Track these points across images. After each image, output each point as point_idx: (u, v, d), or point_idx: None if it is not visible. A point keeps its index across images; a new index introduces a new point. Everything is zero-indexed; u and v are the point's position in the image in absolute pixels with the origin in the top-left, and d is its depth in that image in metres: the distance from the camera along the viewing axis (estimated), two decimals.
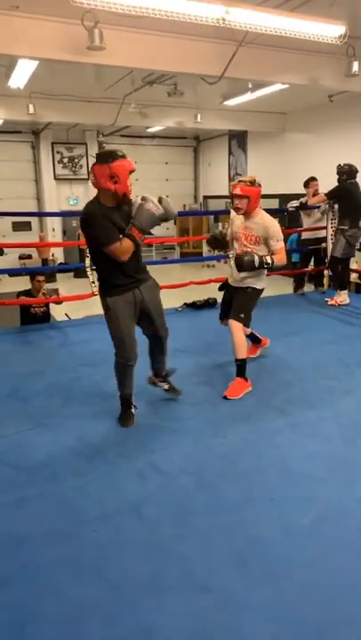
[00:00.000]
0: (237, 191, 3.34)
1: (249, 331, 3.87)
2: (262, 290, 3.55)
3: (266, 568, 1.88)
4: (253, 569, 1.87)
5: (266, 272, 3.49)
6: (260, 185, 3.43)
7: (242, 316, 3.45)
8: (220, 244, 3.75)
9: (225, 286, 3.71)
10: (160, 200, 2.67)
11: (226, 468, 2.52)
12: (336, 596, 1.76)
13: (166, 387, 3.26)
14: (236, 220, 3.56)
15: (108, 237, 2.53)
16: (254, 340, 3.97)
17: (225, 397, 3.32)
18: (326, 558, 1.92)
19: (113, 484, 2.40)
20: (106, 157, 2.51)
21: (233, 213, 3.60)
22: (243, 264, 3.31)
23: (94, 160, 2.54)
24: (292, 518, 2.14)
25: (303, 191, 6.20)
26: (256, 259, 3.29)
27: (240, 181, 3.41)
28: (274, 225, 3.40)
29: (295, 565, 1.89)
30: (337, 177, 5.57)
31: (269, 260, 3.31)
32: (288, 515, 2.16)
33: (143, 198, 2.62)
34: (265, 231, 3.37)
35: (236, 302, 3.52)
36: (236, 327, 3.42)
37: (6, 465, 2.56)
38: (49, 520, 2.15)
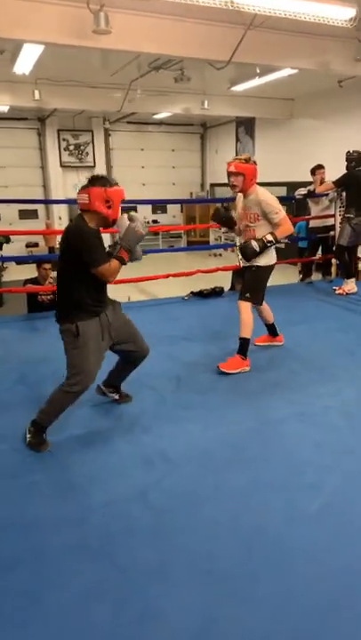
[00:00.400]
0: (232, 168, 3.38)
1: (272, 319, 3.90)
2: (270, 266, 3.55)
3: (272, 555, 1.89)
4: (260, 556, 1.89)
5: (273, 248, 3.50)
6: (255, 162, 3.44)
7: (248, 295, 3.51)
8: (226, 219, 3.72)
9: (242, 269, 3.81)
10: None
11: (232, 457, 2.53)
12: (342, 584, 1.77)
13: (117, 397, 3.06)
14: (239, 201, 3.61)
15: (100, 258, 2.49)
16: (272, 331, 3.97)
17: (218, 368, 3.43)
18: (332, 546, 1.93)
19: (120, 470, 2.41)
20: (103, 181, 2.50)
21: (237, 197, 3.63)
22: (246, 254, 3.43)
23: (87, 183, 2.50)
24: (298, 506, 2.15)
25: (311, 179, 6.14)
26: (255, 245, 3.35)
27: (235, 159, 3.45)
28: (266, 198, 3.41)
29: (301, 553, 1.90)
30: (346, 164, 5.51)
31: (270, 238, 3.36)
32: (294, 502, 2.17)
33: (130, 218, 2.57)
34: (260, 206, 3.40)
35: (244, 282, 3.62)
36: (243, 306, 3.50)
37: (15, 450, 2.59)
38: (57, 506, 2.17)
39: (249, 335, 3.48)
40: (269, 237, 3.36)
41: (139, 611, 1.67)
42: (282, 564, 1.86)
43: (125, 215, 2.59)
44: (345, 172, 5.51)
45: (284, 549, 1.92)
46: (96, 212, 2.48)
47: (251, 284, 3.55)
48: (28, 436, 2.62)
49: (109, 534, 2.00)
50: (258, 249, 3.36)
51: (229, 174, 3.41)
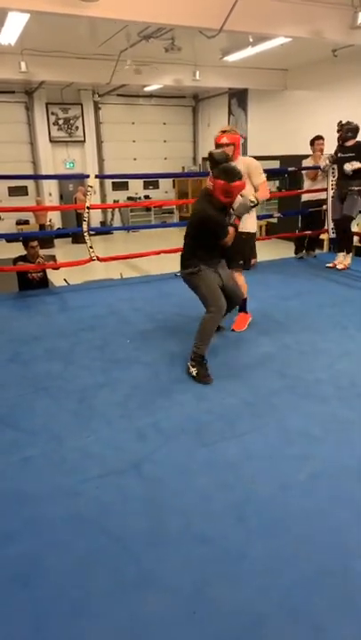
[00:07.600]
0: (225, 140, 3.58)
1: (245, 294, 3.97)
2: (253, 233, 3.82)
3: (263, 522, 1.94)
4: (251, 522, 1.94)
5: (252, 214, 3.74)
6: (236, 132, 3.73)
7: (242, 262, 3.76)
8: None
9: None
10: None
11: (225, 428, 2.57)
12: (329, 548, 1.82)
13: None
14: None
15: (225, 232, 3.14)
16: (243, 307, 3.94)
17: (233, 330, 3.80)
18: (321, 513, 1.98)
19: (114, 444, 2.45)
20: (232, 177, 2.96)
21: None
22: (240, 209, 3.48)
23: (215, 172, 2.99)
24: (289, 475, 2.19)
25: (305, 152, 6.05)
26: (248, 202, 3.46)
27: (223, 131, 3.66)
28: (253, 161, 3.71)
29: (292, 519, 1.95)
30: (340, 135, 5.38)
31: (254, 199, 3.50)
32: (285, 471, 2.22)
33: (241, 194, 3.22)
34: (247, 168, 3.58)
35: (237, 250, 3.66)
36: (236, 274, 3.74)
37: (8, 426, 2.61)
38: (52, 479, 2.21)
39: (245, 295, 3.80)
40: (253, 198, 3.47)
41: (133, 576, 1.71)
42: (273, 528, 1.91)
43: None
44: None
45: (274, 514, 1.97)
46: (215, 198, 3.03)
47: (245, 251, 3.72)
48: (193, 371, 3.04)
49: (103, 505, 2.04)
50: (251, 204, 3.46)
51: (222, 145, 3.54)
